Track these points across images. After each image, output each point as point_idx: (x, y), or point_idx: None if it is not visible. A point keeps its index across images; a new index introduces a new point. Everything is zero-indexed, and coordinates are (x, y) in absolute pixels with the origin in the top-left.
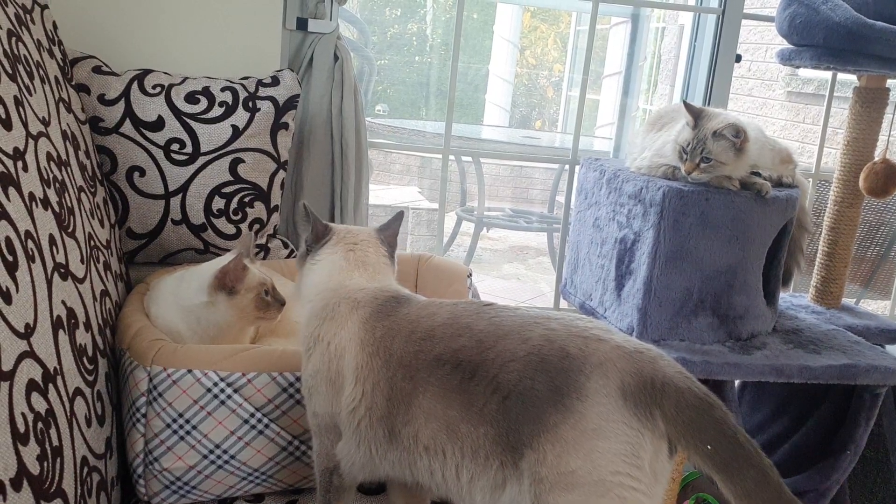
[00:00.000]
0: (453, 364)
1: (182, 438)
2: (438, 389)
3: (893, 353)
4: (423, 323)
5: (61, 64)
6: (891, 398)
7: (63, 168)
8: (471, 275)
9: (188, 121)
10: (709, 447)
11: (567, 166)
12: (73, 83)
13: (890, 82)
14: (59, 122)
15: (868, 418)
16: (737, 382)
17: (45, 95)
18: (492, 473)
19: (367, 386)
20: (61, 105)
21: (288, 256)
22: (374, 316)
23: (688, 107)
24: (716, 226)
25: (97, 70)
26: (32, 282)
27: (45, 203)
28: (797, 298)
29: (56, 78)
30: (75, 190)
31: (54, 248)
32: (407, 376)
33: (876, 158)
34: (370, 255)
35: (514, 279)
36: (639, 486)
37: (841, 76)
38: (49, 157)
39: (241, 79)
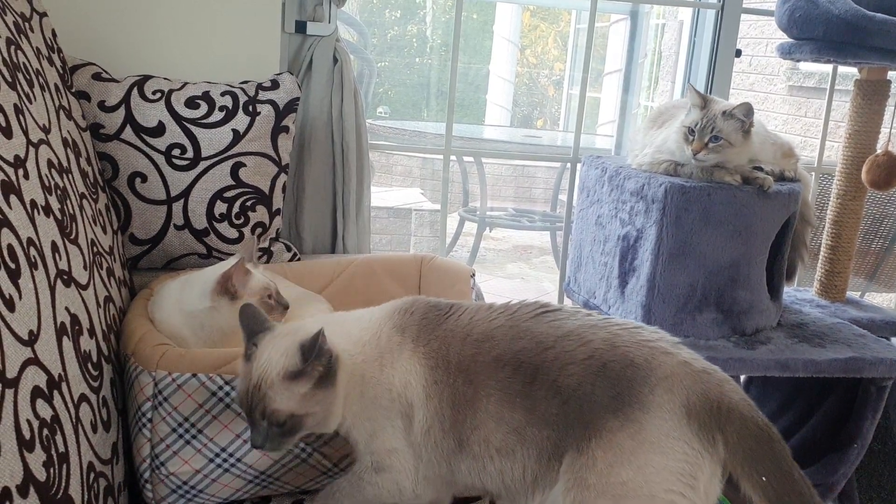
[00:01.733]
0: (514, 366)
1: (188, 442)
2: (502, 394)
3: None
4: (479, 326)
5: (61, 71)
6: None
7: (64, 175)
8: (474, 275)
9: (189, 126)
10: (764, 479)
11: (569, 164)
12: (73, 90)
13: (891, 74)
14: (60, 130)
15: (874, 411)
16: (742, 377)
17: (46, 103)
18: (552, 475)
19: (434, 401)
20: (61, 112)
21: (291, 260)
22: (423, 331)
23: (695, 90)
24: (718, 221)
25: (97, 77)
26: (35, 289)
27: (47, 210)
28: (801, 292)
29: (56, 85)
30: (77, 197)
31: (57, 254)
32: (467, 380)
33: (878, 151)
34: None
35: (518, 279)
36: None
37: (842, 69)
38: (50, 164)
39: (241, 83)
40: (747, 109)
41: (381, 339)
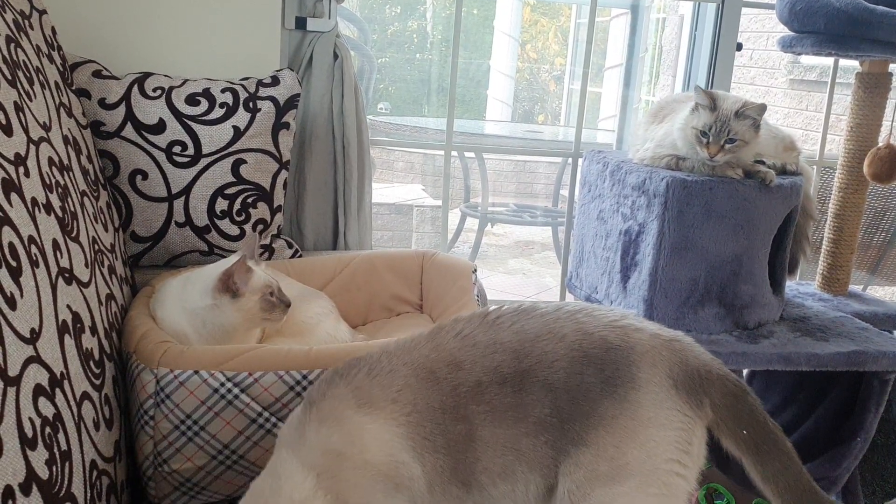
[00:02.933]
0: (499, 382)
1: (190, 440)
2: (492, 416)
3: None
4: (438, 360)
5: (61, 69)
6: None
7: (65, 173)
8: (476, 271)
9: (189, 123)
10: (744, 432)
11: (570, 160)
12: (73, 88)
13: (892, 67)
14: (60, 127)
15: (878, 405)
16: (745, 372)
17: (46, 100)
18: (552, 479)
19: (427, 455)
20: (62, 110)
21: (292, 256)
22: (375, 390)
23: (703, 91)
24: (720, 215)
25: (97, 74)
26: (37, 287)
27: (48, 208)
28: (804, 286)
29: (56, 83)
30: (78, 194)
31: (58, 252)
32: (457, 418)
33: (880, 144)
34: None
35: (520, 274)
36: (684, 472)
37: (843, 62)
38: (51, 161)
39: (241, 79)
40: (761, 109)
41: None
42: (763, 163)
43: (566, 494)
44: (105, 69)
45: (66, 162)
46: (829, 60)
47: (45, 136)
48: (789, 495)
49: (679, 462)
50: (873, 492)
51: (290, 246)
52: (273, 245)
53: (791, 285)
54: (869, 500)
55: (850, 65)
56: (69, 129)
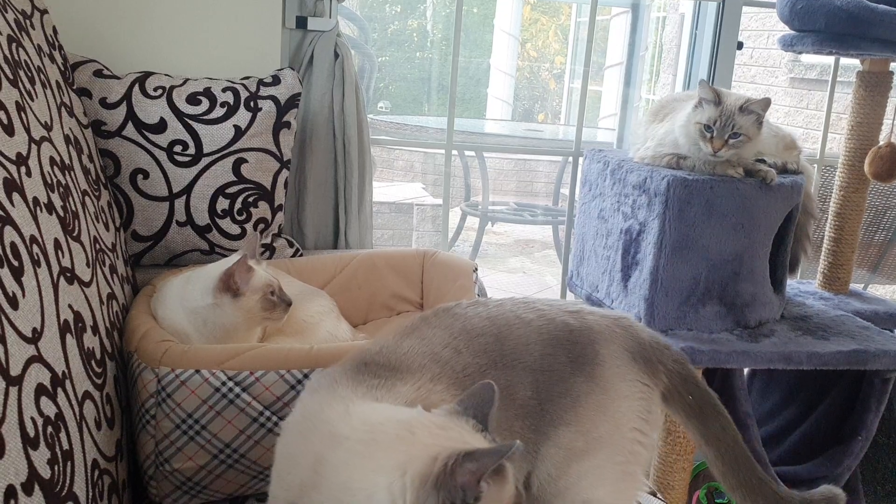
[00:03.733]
0: (492, 365)
1: (192, 439)
2: (471, 381)
3: None
4: (440, 344)
5: (62, 68)
6: None
7: (66, 172)
8: (476, 269)
9: (190, 122)
10: (690, 397)
11: (571, 158)
12: (74, 87)
13: (893, 65)
14: (62, 127)
15: (879, 403)
16: (746, 370)
17: (47, 100)
18: (531, 466)
19: None
20: (63, 109)
21: (293, 255)
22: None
23: (707, 85)
24: (721, 214)
25: (98, 74)
26: (39, 286)
27: (50, 207)
28: (805, 285)
29: (57, 82)
30: (79, 194)
31: (59, 252)
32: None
33: (881, 142)
34: None
35: (521, 273)
36: (644, 440)
37: (844, 61)
38: (52, 161)
39: (242, 79)
40: (766, 104)
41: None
42: (764, 161)
43: (547, 477)
44: (106, 69)
45: (67, 161)
46: (830, 59)
47: (47, 135)
48: (728, 456)
49: (641, 431)
50: (874, 491)
51: (290, 245)
52: (274, 244)
53: (792, 284)
54: (870, 500)
55: (851, 63)
56: (70, 128)
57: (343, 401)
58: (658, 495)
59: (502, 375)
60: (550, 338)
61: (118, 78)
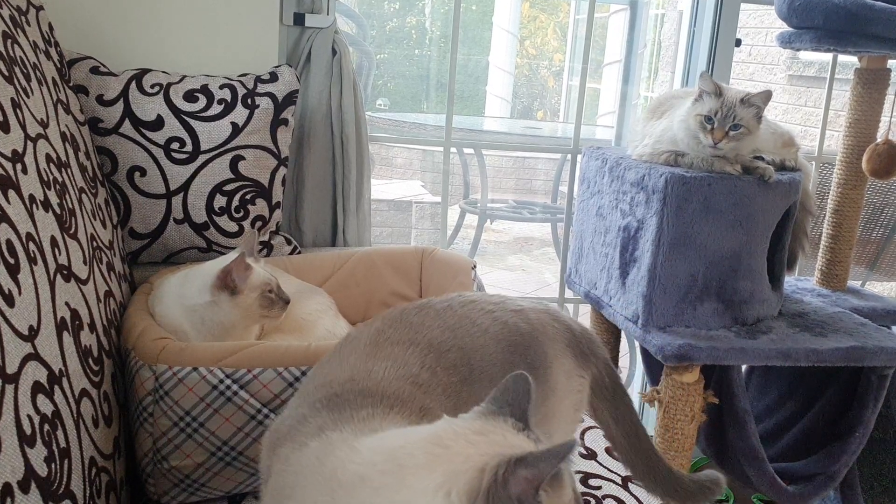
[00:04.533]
0: (462, 381)
1: (190, 436)
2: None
3: None
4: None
5: (58, 65)
6: None
7: (63, 170)
8: (475, 267)
9: (187, 119)
10: (607, 380)
11: (569, 156)
12: (70, 84)
13: (891, 63)
14: (58, 124)
15: (876, 400)
16: (744, 367)
17: (43, 97)
18: None
19: None
20: (59, 106)
21: (291, 253)
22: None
23: (708, 77)
24: (719, 211)
25: (95, 71)
26: (35, 284)
27: (46, 205)
28: (802, 282)
29: (53, 79)
30: (76, 191)
31: (56, 249)
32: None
33: (878, 140)
34: None
35: (520, 270)
36: (578, 428)
37: (842, 58)
38: (48, 158)
39: (240, 76)
40: (767, 96)
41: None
42: (762, 159)
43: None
44: (103, 65)
45: (63, 159)
46: (828, 56)
47: (43, 132)
48: (632, 435)
49: (577, 421)
50: (871, 487)
51: (288, 242)
52: (272, 242)
53: (790, 281)
54: (867, 496)
55: (849, 60)
56: (67, 125)
57: (342, 443)
58: None
59: (474, 392)
60: (508, 344)
61: (115, 75)
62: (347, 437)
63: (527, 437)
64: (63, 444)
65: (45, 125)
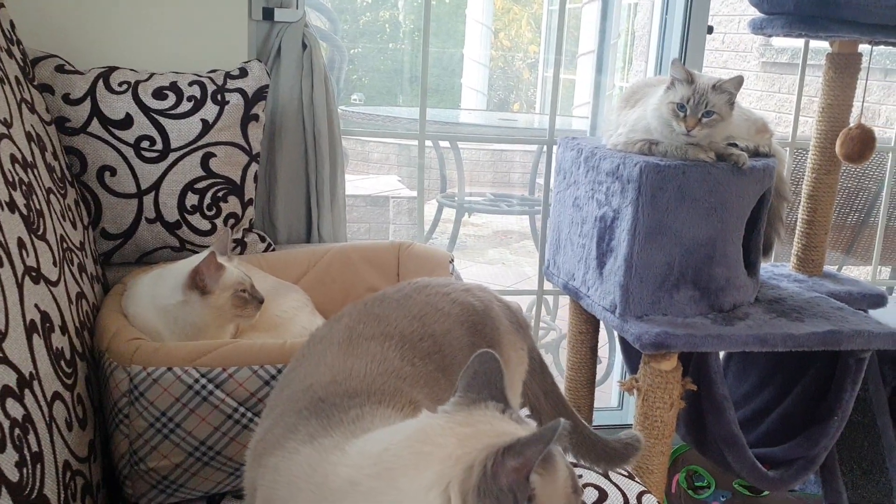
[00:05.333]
0: (440, 369)
1: (166, 437)
2: (433, 391)
3: (876, 318)
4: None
5: (21, 64)
6: (875, 362)
7: (29, 170)
8: (453, 260)
9: (157, 117)
10: (535, 354)
11: (545, 147)
12: (35, 83)
13: (862, 47)
14: (23, 124)
15: (854, 383)
16: (721, 354)
17: (6, 96)
18: None
19: None
20: (24, 106)
21: (265, 250)
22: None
23: (680, 65)
24: (694, 199)
25: (60, 69)
26: (2, 286)
27: (12, 206)
28: (778, 268)
29: (17, 78)
30: (44, 192)
31: (24, 251)
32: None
33: (851, 124)
34: None
35: (499, 264)
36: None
37: (814, 44)
38: (13, 159)
39: (209, 72)
40: (739, 82)
41: None
42: (736, 145)
43: None
44: (68, 64)
45: (29, 159)
46: (801, 42)
47: (7, 132)
48: (560, 406)
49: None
50: (851, 469)
51: (262, 240)
52: (245, 239)
53: (766, 267)
54: (847, 479)
55: (822, 46)
56: (32, 125)
57: (333, 448)
58: (637, 479)
59: (448, 378)
60: (469, 325)
61: (81, 73)
62: (339, 441)
63: (510, 417)
64: (35, 448)
65: (8, 125)
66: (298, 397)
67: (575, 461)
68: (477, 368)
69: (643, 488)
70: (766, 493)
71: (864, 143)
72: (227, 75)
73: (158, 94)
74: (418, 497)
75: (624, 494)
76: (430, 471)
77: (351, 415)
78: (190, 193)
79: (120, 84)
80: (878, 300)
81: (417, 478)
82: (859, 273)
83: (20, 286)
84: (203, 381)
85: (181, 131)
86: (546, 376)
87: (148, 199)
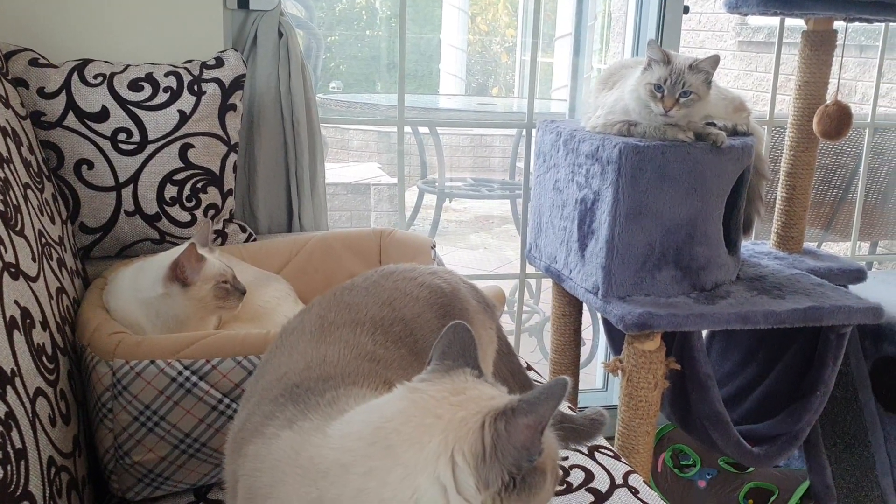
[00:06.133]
0: (414, 353)
1: (151, 430)
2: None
3: (856, 293)
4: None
5: None
6: (856, 337)
7: (5, 165)
8: (434, 246)
9: (133, 109)
10: (502, 334)
11: (525, 131)
12: (9, 77)
13: (837, 24)
14: None
15: (835, 358)
16: (704, 333)
17: None
18: None
19: None
20: None
21: (246, 240)
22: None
23: (656, 46)
24: (673, 179)
25: (34, 63)
26: None
27: None
28: (759, 245)
29: None
30: (20, 187)
31: (2, 247)
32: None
33: (828, 101)
34: None
35: (482, 249)
36: None
37: (790, 22)
38: None
39: (185, 62)
40: (715, 61)
41: None
42: (714, 125)
43: None
44: (42, 57)
45: (5, 154)
46: (776, 20)
47: None
48: (528, 385)
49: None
50: (834, 444)
51: (243, 230)
52: (226, 230)
53: (746, 245)
54: (830, 453)
55: (797, 24)
56: (7, 119)
57: (314, 430)
58: (622, 459)
59: (421, 361)
60: (438, 307)
61: (55, 67)
62: (318, 423)
63: (492, 385)
64: (19, 445)
65: None
66: (273, 386)
67: None
68: (451, 338)
69: (629, 468)
70: (751, 469)
71: (840, 119)
72: (204, 65)
73: (134, 85)
74: (427, 468)
75: (610, 475)
76: (434, 441)
77: (327, 397)
78: (169, 185)
79: (95, 76)
80: (858, 275)
81: (422, 450)
82: (839, 249)
83: None
84: (187, 373)
85: (158, 123)
86: (513, 357)
87: (126, 192)
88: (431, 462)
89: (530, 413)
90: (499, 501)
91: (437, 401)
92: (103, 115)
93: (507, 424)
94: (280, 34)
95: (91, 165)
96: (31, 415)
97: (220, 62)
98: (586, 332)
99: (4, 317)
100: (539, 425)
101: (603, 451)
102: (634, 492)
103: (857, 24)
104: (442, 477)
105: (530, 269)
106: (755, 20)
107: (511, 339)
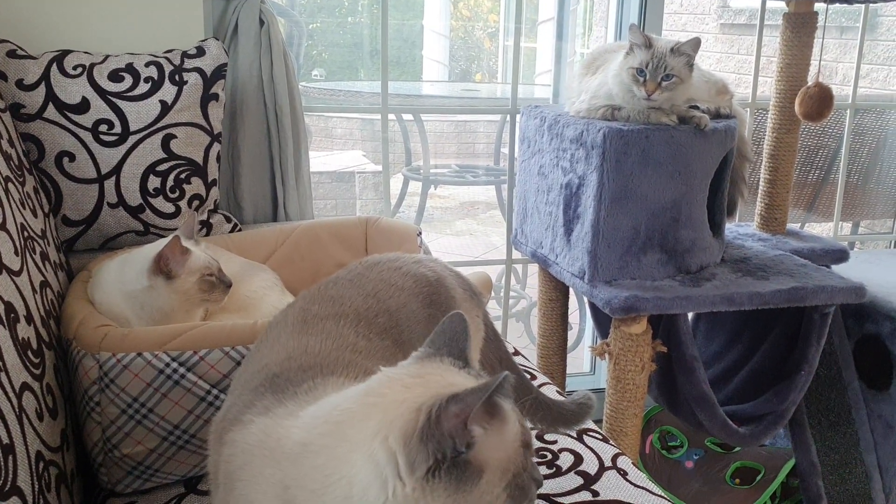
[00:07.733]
0: (398, 343)
1: (139, 423)
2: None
3: (839, 273)
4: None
5: None
6: (839, 316)
7: None
8: (420, 233)
9: (114, 100)
10: (489, 321)
11: (509, 116)
12: None
13: (818, 6)
14: None
15: (819, 338)
16: (690, 315)
17: None
18: None
19: None
20: None
21: (231, 231)
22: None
23: (637, 30)
24: (657, 162)
25: (12, 54)
26: None
27: None
28: (743, 227)
29: None
30: (1, 180)
31: None
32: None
33: (809, 83)
34: None
35: (468, 235)
36: None
37: (771, 4)
38: None
39: (165, 52)
40: (696, 44)
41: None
42: (697, 108)
43: None
44: (20, 48)
45: None
46: (758, 2)
47: None
48: (513, 370)
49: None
50: (819, 422)
51: (228, 220)
52: (211, 220)
53: (730, 227)
54: (815, 431)
55: (778, 6)
56: None
57: (287, 416)
58: (611, 442)
59: (406, 352)
60: (424, 297)
61: (34, 58)
62: (293, 409)
63: (468, 374)
64: (6, 441)
65: None
66: (254, 377)
67: (533, 426)
68: (444, 328)
69: (617, 450)
70: (737, 448)
71: (822, 101)
72: (185, 55)
73: (114, 76)
74: (364, 445)
75: (599, 457)
76: (375, 419)
77: (304, 387)
78: (152, 176)
79: (74, 67)
80: (841, 255)
81: (364, 428)
82: (822, 229)
83: None
84: (174, 364)
85: (140, 114)
86: (500, 343)
87: (109, 184)
88: (368, 440)
89: (460, 402)
90: (428, 490)
91: (391, 382)
92: (84, 106)
93: (439, 410)
94: (261, 22)
95: (72, 158)
96: (17, 410)
97: (201, 51)
98: (573, 317)
99: None
100: (464, 413)
101: (591, 434)
102: (623, 473)
103: (837, 5)
104: (376, 454)
105: (516, 255)
106: (737, 2)
107: (498, 325)
